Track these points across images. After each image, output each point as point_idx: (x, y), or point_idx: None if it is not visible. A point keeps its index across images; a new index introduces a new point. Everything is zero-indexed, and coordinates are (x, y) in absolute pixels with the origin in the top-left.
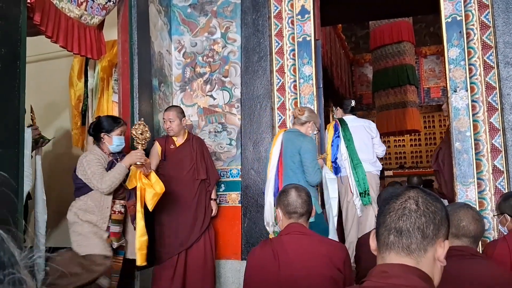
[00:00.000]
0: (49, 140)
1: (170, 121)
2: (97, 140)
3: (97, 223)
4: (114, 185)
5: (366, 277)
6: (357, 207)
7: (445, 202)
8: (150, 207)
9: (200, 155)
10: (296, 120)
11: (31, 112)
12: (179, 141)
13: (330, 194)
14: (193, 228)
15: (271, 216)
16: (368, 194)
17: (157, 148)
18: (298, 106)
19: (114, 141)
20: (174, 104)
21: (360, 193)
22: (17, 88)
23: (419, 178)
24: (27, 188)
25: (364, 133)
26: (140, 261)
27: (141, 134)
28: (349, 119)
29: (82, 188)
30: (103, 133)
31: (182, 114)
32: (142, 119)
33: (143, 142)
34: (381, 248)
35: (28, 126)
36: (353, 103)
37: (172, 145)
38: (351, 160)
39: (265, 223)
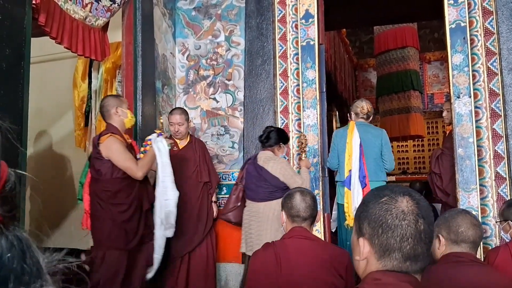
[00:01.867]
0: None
1: (179, 125)
2: (268, 146)
3: None
4: None
5: (360, 283)
6: None
7: (438, 206)
8: None
9: (202, 158)
10: (363, 115)
11: (160, 119)
12: (182, 143)
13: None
14: (196, 231)
15: (358, 200)
16: None
17: None
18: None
19: (284, 152)
20: (177, 106)
21: None
22: (21, 88)
23: (421, 183)
24: (176, 195)
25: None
26: None
27: (302, 143)
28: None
29: (284, 190)
30: (281, 143)
31: (188, 116)
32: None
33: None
34: (386, 265)
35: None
36: None
37: (175, 147)
38: None
39: (352, 208)
